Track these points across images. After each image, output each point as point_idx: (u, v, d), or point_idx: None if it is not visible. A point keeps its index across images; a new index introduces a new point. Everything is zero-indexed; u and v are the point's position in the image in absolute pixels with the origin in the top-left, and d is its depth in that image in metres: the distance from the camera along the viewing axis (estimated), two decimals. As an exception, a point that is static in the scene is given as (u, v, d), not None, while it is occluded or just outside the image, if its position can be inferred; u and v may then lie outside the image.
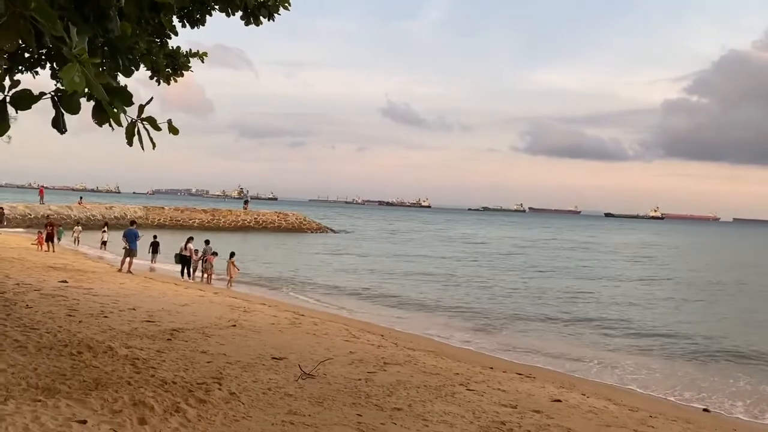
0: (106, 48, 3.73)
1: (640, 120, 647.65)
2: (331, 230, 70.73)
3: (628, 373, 14.40)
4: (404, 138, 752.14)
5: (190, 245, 25.23)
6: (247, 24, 7.44)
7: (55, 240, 30.40)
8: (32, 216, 49.81)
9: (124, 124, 3.34)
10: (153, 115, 3.45)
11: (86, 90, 2.54)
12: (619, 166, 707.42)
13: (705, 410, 11.65)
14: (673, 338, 19.00)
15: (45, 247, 28.91)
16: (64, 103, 2.67)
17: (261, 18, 7.39)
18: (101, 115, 3.19)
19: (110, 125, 3.23)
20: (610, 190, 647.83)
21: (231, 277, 24.07)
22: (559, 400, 9.47)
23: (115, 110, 3.31)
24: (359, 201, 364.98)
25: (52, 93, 2.84)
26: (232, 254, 24.53)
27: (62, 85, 2.50)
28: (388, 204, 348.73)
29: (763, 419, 11.48)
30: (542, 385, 10.76)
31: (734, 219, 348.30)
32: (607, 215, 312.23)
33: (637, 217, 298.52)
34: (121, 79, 5.09)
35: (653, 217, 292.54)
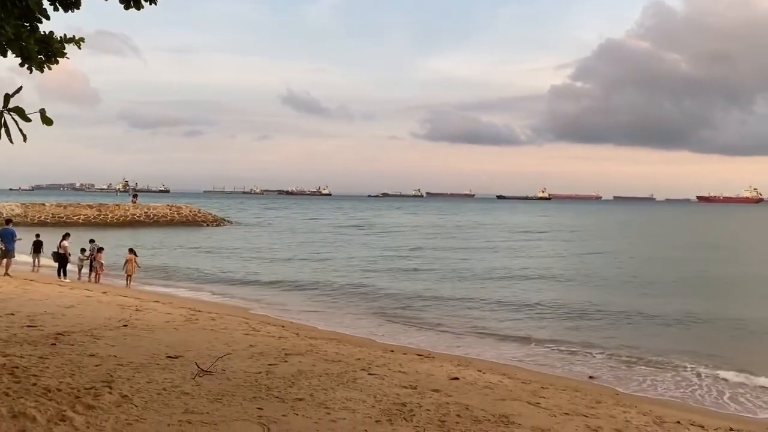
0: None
1: (531, 106, 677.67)
2: (228, 222, 69.12)
3: (521, 347, 15.11)
4: (306, 127, 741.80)
5: (65, 242, 23.86)
6: (126, 8, 7.03)
7: None
8: None
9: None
10: (31, 106, 3.21)
11: None
12: (512, 151, 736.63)
13: (591, 378, 12.46)
14: (553, 309, 20.10)
15: None
16: None
17: (141, 1, 7.03)
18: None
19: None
20: (503, 173, 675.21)
21: (130, 275, 23.00)
22: (457, 378, 9.77)
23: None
24: (257, 191, 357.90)
25: None
26: (132, 249, 23.54)
27: None
28: (287, 193, 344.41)
29: (640, 382, 12.41)
30: (441, 365, 11.08)
31: (614, 197, 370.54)
32: (499, 197, 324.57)
33: (526, 198, 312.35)
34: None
35: (541, 198, 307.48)
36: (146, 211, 61.55)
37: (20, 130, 3.40)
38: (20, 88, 3.39)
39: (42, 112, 3.58)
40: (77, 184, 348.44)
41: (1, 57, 5.66)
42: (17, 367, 7.74)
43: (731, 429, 8.50)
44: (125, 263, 22.91)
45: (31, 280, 20.28)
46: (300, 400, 7.56)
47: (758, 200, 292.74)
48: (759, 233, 71.54)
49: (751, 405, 11.15)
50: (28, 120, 3.40)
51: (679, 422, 8.36)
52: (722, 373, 12.90)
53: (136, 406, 6.68)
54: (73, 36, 7.71)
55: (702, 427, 8.35)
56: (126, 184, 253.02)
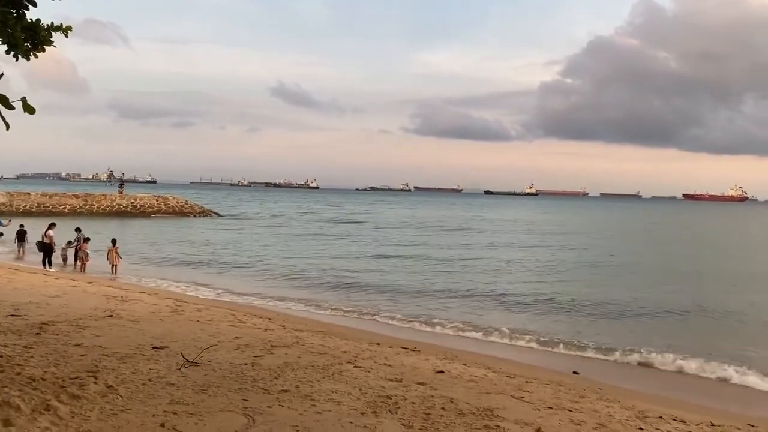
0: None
1: (521, 101, 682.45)
2: (216, 214, 68.79)
3: (506, 341, 15.20)
4: (296, 119, 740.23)
5: (50, 232, 23.74)
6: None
7: None
8: None
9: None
10: (18, 95, 3.18)
11: None
12: (502, 146, 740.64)
13: (575, 372, 12.55)
14: (538, 304, 20.22)
15: None
16: None
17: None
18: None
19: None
20: (492, 169, 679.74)
21: (115, 265, 23.04)
22: (442, 371, 9.82)
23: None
24: (245, 183, 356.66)
25: None
26: (114, 241, 23.59)
27: None
28: (275, 185, 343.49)
29: (624, 377, 12.54)
30: (426, 358, 11.12)
31: (601, 194, 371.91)
32: (487, 193, 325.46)
33: (513, 194, 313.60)
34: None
35: (528, 194, 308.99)
36: (133, 201, 61.16)
37: (3, 119, 3.36)
38: (1, 75, 3.35)
39: (23, 100, 3.54)
40: (63, 174, 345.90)
41: None
42: (1, 356, 7.69)
43: (713, 424, 8.61)
44: (107, 253, 23.17)
45: (16, 269, 20.12)
46: (285, 391, 7.58)
47: (743, 199, 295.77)
48: (739, 230, 72.29)
49: (732, 400, 11.31)
50: (11, 108, 3.37)
51: (661, 417, 8.46)
52: (705, 369, 13.08)
53: (121, 396, 6.67)
54: (61, 24, 7.62)
55: (684, 422, 8.45)
56: (111, 174, 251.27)
